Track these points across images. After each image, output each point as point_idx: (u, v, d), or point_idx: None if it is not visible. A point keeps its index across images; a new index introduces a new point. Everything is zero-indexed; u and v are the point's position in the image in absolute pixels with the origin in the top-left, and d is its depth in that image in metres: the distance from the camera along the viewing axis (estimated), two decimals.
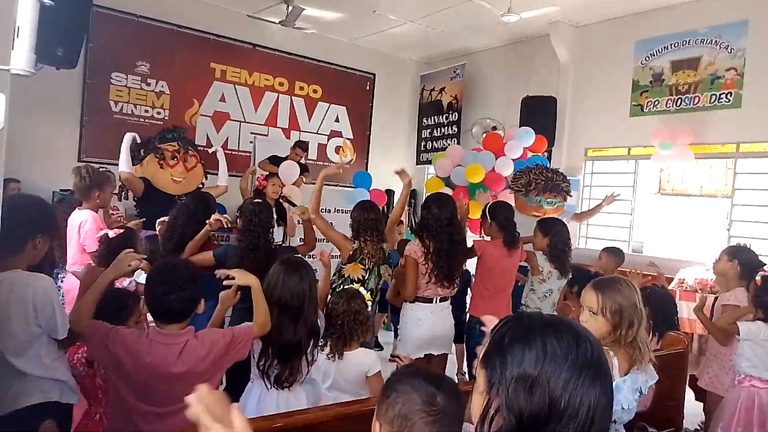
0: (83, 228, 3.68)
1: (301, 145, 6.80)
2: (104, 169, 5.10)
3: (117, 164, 4.78)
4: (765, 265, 3.46)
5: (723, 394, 3.40)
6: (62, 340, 2.19)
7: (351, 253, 3.57)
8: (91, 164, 4.14)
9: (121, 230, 3.25)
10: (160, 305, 2.02)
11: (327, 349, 2.62)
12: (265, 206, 3.35)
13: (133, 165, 4.74)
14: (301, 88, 9.01)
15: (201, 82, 8.09)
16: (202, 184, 5.10)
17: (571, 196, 5.67)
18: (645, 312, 3.35)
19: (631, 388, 1.96)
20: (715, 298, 3.69)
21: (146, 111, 7.65)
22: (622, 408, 1.93)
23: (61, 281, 3.91)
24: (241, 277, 2.32)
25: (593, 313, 1.94)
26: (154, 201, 4.57)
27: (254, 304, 2.27)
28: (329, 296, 3.34)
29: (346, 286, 3.33)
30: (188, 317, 2.07)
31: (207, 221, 3.26)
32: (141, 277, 2.94)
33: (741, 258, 3.44)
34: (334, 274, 3.60)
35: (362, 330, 2.70)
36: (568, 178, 5.67)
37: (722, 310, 3.35)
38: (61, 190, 6.30)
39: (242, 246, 3.17)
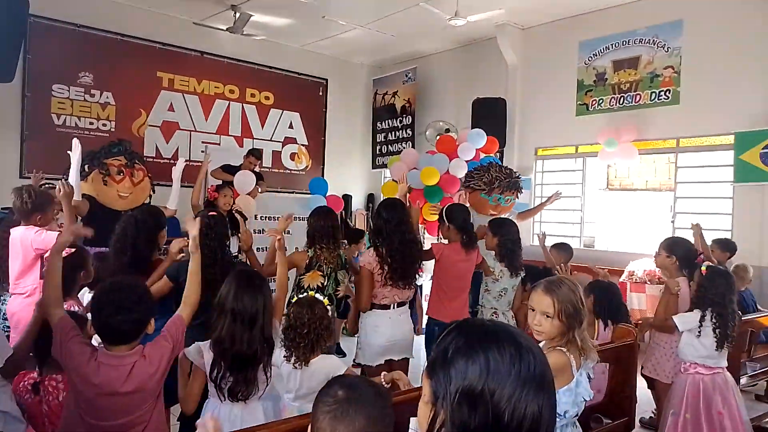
0: (26, 239, 3.52)
1: (255, 153, 6.71)
2: (48, 185, 4.93)
3: (61, 179, 4.62)
4: (701, 254, 3.62)
5: (665, 380, 3.54)
6: (4, 370, 2.10)
7: (307, 262, 3.55)
8: (34, 185, 3.98)
9: (72, 249, 3.12)
10: (107, 327, 1.97)
11: (293, 359, 2.59)
12: (220, 218, 3.26)
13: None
14: (253, 95, 8.90)
15: (148, 91, 7.89)
16: (150, 197, 4.96)
17: (522, 193, 5.81)
18: (590, 302, 3.49)
19: (586, 379, 2.06)
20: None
21: (91, 123, 7.41)
22: (583, 399, 2.02)
23: (4, 303, 3.74)
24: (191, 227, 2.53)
25: (548, 317, 1.98)
26: (100, 218, 4.41)
27: (188, 275, 2.39)
28: (286, 308, 3.32)
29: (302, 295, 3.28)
30: (137, 338, 2.03)
31: (168, 247, 3.14)
32: (87, 296, 2.85)
33: (677, 252, 3.60)
34: (293, 289, 3.56)
35: (327, 335, 2.69)
36: (521, 177, 5.82)
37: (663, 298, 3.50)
38: (2, 208, 6.01)
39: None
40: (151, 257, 3.16)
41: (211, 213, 3.25)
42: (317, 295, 2.96)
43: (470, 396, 0.92)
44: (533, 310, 2.03)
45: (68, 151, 4.32)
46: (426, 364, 1.04)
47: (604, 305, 3.58)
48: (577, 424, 2.15)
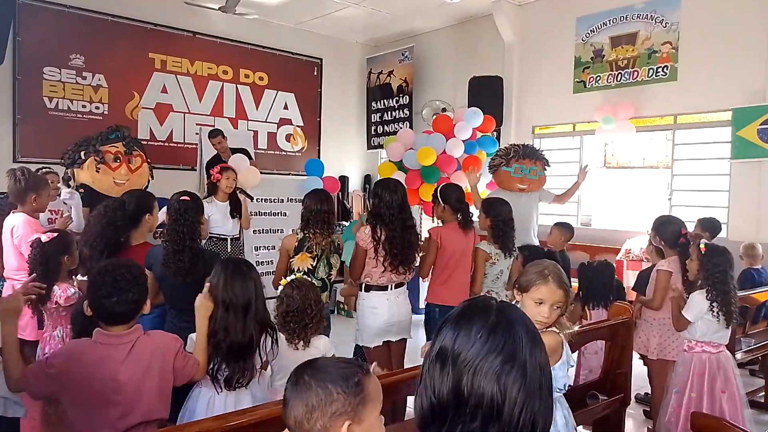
0: (16, 233, 3.52)
1: (212, 134, 6.40)
2: (47, 170, 4.91)
3: (57, 163, 4.64)
4: (685, 233, 3.57)
5: (651, 357, 3.56)
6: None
7: (296, 244, 3.48)
8: (27, 166, 3.95)
9: (54, 234, 3.09)
10: (103, 308, 1.97)
11: (293, 342, 2.60)
12: (192, 204, 3.08)
13: (74, 168, 4.56)
14: (247, 76, 8.80)
15: (140, 73, 7.79)
16: (149, 182, 4.91)
17: (549, 166, 5.93)
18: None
19: (568, 346, 2.14)
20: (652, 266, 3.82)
21: (84, 106, 7.33)
22: (571, 365, 2.17)
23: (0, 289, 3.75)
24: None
25: (557, 308, 2.03)
26: (95, 205, 4.39)
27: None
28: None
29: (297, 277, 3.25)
30: (133, 319, 2.03)
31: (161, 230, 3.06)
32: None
33: (662, 235, 3.57)
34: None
35: (321, 316, 2.71)
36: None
37: (657, 276, 3.49)
38: None
39: (167, 248, 2.96)
40: (122, 243, 3.08)
41: (182, 198, 3.08)
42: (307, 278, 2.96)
43: (441, 355, 0.95)
44: (541, 303, 2.01)
45: None
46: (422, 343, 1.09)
47: (587, 289, 3.58)
48: (563, 400, 2.21)
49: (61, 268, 2.88)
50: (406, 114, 9.14)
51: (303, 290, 2.66)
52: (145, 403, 1.96)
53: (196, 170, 7.27)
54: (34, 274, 2.79)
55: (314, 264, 3.48)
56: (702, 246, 3.17)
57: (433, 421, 0.94)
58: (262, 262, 5.92)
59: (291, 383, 1.22)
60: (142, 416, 1.95)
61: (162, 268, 2.89)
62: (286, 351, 2.58)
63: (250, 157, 6.56)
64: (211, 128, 6.64)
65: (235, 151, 6.25)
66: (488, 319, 0.97)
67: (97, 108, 7.42)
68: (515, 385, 0.92)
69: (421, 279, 3.88)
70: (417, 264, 3.68)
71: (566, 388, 2.11)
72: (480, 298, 1.05)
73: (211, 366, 2.23)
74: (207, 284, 2.30)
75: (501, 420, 0.90)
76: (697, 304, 3.09)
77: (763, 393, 4.36)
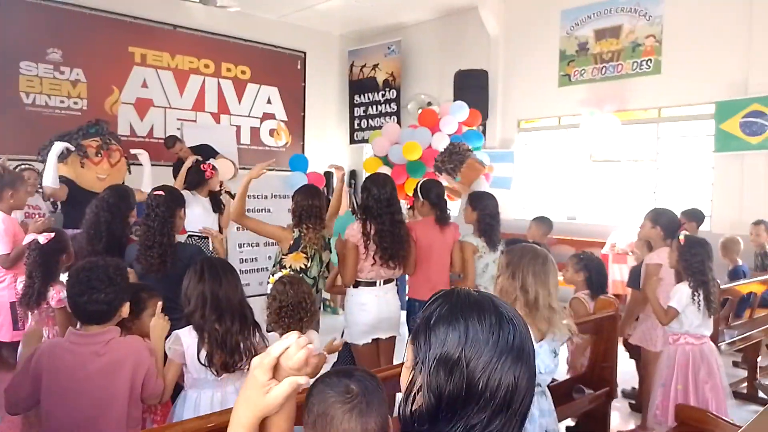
0: None
1: (168, 143, 5.95)
2: (26, 166, 4.80)
3: (33, 160, 4.53)
4: (684, 224, 3.60)
5: (654, 349, 3.57)
6: None
7: (292, 242, 3.46)
8: (2, 164, 3.86)
9: (52, 234, 3.02)
10: (76, 306, 1.96)
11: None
12: (164, 199, 2.98)
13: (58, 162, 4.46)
14: (229, 70, 8.68)
15: (120, 67, 7.64)
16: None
17: (446, 173, 5.26)
18: (582, 276, 3.48)
19: (547, 351, 2.13)
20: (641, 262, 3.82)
21: (62, 101, 7.17)
22: (540, 372, 2.08)
23: None
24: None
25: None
26: (79, 202, 4.28)
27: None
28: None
29: (284, 273, 3.21)
30: (109, 320, 1.99)
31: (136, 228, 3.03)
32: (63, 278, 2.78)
33: (662, 222, 3.60)
34: (274, 266, 3.50)
35: (314, 311, 2.69)
36: (473, 149, 5.49)
37: (646, 269, 3.49)
38: None
39: (140, 244, 2.92)
40: (125, 239, 3.07)
41: (156, 192, 3.03)
42: (304, 278, 2.93)
43: (447, 362, 0.93)
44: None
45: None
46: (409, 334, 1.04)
47: (595, 281, 3.55)
48: (547, 393, 2.24)
49: (59, 267, 2.82)
50: (394, 108, 9.08)
51: (296, 285, 2.64)
52: (116, 408, 1.92)
53: None
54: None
55: (308, 264, 3.42)
56: (681, 238, 3.19)
57: (434, 418, 0.94)
58: (245, 260, 5.84)
59: (361, 398, 1.14)
60: (113, 421, 1.91)
61: (136, 265, 2.85)
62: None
63: (216, 152, 6.38)
64: (165, 138, 5.98)
65: (195, 149, 6.04)
66: (489, 318, 0.96)
67: (75, 103, 7.27)
68: (524, 376, 0.95)
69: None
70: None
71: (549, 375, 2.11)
72: (460, 291, 1.02)
73: (207, 353, 2.16)
74: (159, 304, 2.28)
75: (510, 409, 0.93)
76: (682, 293, 3.11)
77: (746, 384, 4.41)
